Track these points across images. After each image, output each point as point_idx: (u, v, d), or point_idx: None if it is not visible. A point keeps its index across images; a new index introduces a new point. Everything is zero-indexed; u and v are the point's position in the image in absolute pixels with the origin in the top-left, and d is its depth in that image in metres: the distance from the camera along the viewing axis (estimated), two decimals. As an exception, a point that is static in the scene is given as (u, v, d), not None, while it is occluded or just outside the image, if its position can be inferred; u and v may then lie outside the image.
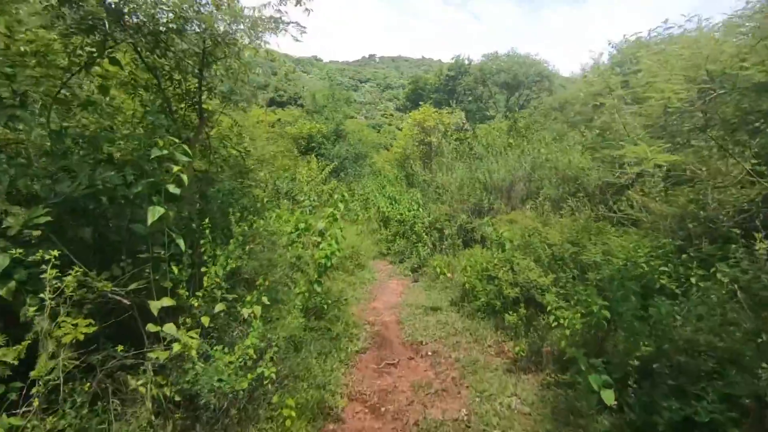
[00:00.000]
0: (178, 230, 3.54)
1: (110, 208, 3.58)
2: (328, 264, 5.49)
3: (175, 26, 3.38)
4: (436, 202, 11.80)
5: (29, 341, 2.63)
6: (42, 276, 2.64)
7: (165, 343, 3.26)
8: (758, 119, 3.24)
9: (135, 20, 3.28)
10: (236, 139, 5.68)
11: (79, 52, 3.36)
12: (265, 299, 4.02)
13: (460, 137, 16.22)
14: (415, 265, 9.97)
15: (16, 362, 2.51)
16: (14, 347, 2.55)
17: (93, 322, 2.87)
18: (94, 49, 3.38)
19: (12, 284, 2.71)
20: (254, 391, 3.78)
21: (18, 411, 2.57)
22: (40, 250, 2.70)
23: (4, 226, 2.72)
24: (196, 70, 4.02)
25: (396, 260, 10.93)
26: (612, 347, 4.18)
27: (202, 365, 3.31)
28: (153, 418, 3.10)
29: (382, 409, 4.33)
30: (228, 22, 3.54)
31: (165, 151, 3.20)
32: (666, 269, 4.26)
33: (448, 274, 8.06)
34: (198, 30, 3.53)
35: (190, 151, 3.41)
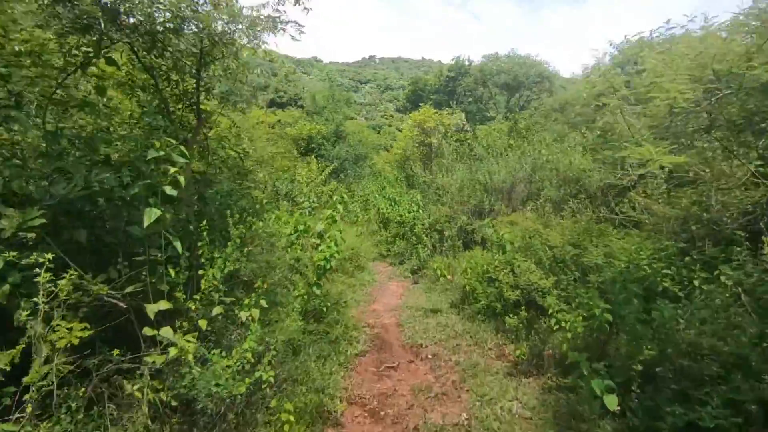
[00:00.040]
0: (176, 232, 3.50)
1: (107, 210, 3.54)
2: (328, 266, 5.44)
3: (172, 26, 3.33)
4: (436, 203, 11.75)
5: (23, 345, 2.59)
6: (36, 279, 2.59)
7: (162, 347, 3.22)
8: (764, 120, 3.20)
9: (131, 20, 3.25)
10: (235, 140, 5.64)
11: (74, 52, 3.32)
12: (263, 302, 3.98)
13: (460, 138, 16.19)
14: (415, 267, 9.92)
15: (8, 367, 2.46)
16: (8, 351, 2.51)
17: (88, 326, 2.83)
18: (90, 49, 3.34)
19: (6, 288, 2.67)
20: (252, 396, 3.74)
21: (11, 417, 2.52)
22: (35, 253, 2.66)
23: (-3, 228, 2.68)
24: (194, 71, 3.98)
25: (396, 262, 10.88)
26: (614, 350, 4.13)
27: (200, 369, 3.27)
28: (149, 423, 3.06)
29: (382, 413, 4.28)
30: (226, 21, 3.50)
31: (162, 153, 3.16)
32: (669, 272, 4.21)
33: (448, 276, 8.01)
34: (195, 30, 3.49)
35: (187, 153, 3.37)
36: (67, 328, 2.75)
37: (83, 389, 2.88)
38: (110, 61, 3.52)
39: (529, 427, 3.85)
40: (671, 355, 3.44)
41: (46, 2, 2.90)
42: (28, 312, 2.55)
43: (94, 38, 3.21)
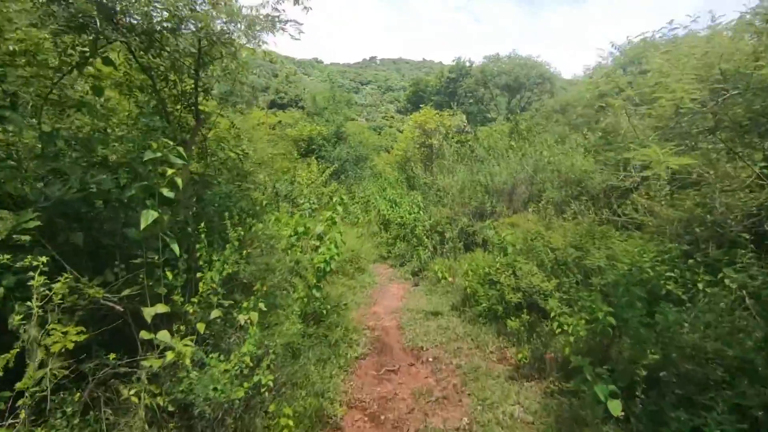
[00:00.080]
0: (174, 234, 3.46)
1: (104, 212, 3.51)
2: (327, 269, 5.40)
3: (169, 25, 3.29)
4: (437, 204, 11.71)
5: (17, 350, 2.55)
6: (29, 283, 2.55)
7: (159, 351, 3.18)
8: (770, 121, 3.14)
9: (128, 19, 3.21)
10: (234, 141, 5.60)
11: (70, 51, 3.28)
12: (262, 305, 3.94)
13: (461, 140, 16.15)
14: (416, 269, 9.88)
15: (1, 372, 2.42)
16: (2, 356, 2.47)
17: (84, 329, 2.79)
18: (86, 49, 3.30)
19: (0, 291, 2.63)
20: (251, 400, 3.69)
21: (5, 422, 2.49)
22: (29, 256, 2.62)
23: (-9, 230, 2.64)
24: (192, 71, 3.94)
25: (396, 264, 10.83)
26: (616, 354, 4.08)
27: (197, 374, 3.23)
28: (146, 427, 3.02)
29: (382, 417, 4.24)
30: (224, 20, 3.46)
31: (159, 154, 3.13)
32: (672, 275, 4.16)
33: (449, 278, 7.96)
34: (194, 29, 3.45)
35: (185, 154, 3.33)
36: (63, 332, 2.71)
37: (78, 394, 2.84)
38: (107, 61, 3.48)
39: (531, 431, 3.80)
40: (675, 360, 3.39)
41: (41, 0, 2.87)
42: (22, 316, 2.50)
43: (91, 37, 3.17)
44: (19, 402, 2.47)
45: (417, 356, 5.54)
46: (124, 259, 3.30)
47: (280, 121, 23.54)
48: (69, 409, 2.74)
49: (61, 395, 2.78)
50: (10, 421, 2.48)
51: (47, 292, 2.61)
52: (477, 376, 4.79)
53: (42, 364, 2.64)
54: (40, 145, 3.22)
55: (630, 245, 4.86)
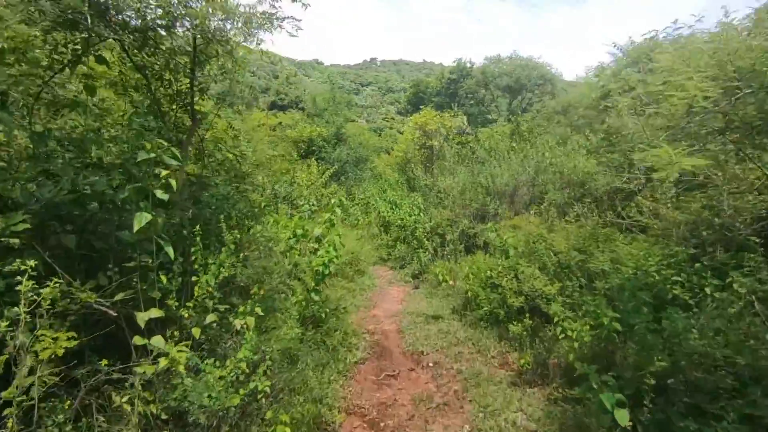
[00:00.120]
0: (169, 237, 3.38)
1: (97, 214, 3.42)
2: (326, 272, 5.31)
3: (163, 22, 3.21)
4: (437, 206, 11.63)
5: (6, 356, 2.47)
6: (17, 288, 2.47)
7: (152, 357, 3.09)
8: (782, 121, 3.05)
9: (120, 16, 3.13)
10: (232, 142, 5.52)
11: (61, 49, 3.20)
12: (258, 309, 3.85)
13: (462, 141, 16.08)
14: (416, 272, 9.79)
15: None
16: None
17: (75, 335, 2.72)
18: (78, 47, 3.22)
19: (-13, 295, 2.56)
20: (247, 407, 3.61)
21: (-8, 432, 2.41)
22: (18, 259, 2.54)
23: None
24: (188, 70, 3.86)
25: (396, 266, 10.75)
26: (621, 360, 3.98)
27: (192, 380, 3.14)
28: (139, 435, 2.93)
29: (382, 424, 4.15)
30: (221, 18, 3.37)
31: (153, 155, 3.04)
32: (678, 279, 4.07)
33: (450, 281, 7.87)
34: (189, 27, 3.37)
35: (179, 155, 3.25)
36: (53, 338, 2.64)
37: (69, 402, 2.76)
38: (100, 60, 3.40)
39: (535, 440, 3.72)
40: (683, 367, 3.29)
41: (29, -4, 2.78)
42: (8, 322, 2.42)
43: (83, 35, 3.09)
44: (6, 411, 2.38)
45: (417, 361, 5.45)
46: (118, 262, 3.23)
47: (280, 123, 23.50)
48: (60, 417, 2.66)
49: (52, 403, 2.71)
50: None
51: (35, 297, 2.52)
52: (478, 381, 4.70)
53: (32, 371, 2.57)
54: (31, 146, 3.15)
55: (635, 248, 4.77)
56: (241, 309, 3.81)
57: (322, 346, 5.22)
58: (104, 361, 2.92)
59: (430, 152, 16.48)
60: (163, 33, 3.38)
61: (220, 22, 3.41)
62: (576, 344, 4.10)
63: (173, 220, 3.77)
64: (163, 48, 3.59)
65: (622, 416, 3.10)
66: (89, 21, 2.81)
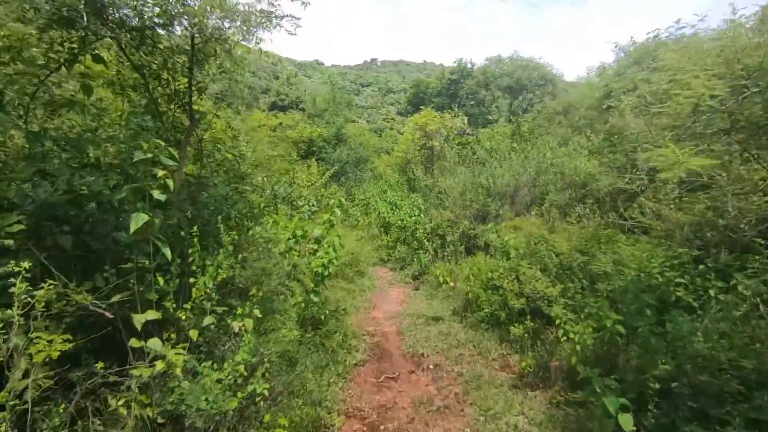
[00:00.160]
0: (166, 238, 3.34)
1: (95, 215, 3.38)
2: (326, 273, 5.27)
3: (161, 21, 3.16)
4: (438, 207, 11.57)
5: (1, 359, 2.44)
6: (11, 290, 2.43)
7: (149, 359, 3.05)
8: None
9: (117, 14, 3.08)
10: (231, 142, 5.47)
11: (57, 47, 3.15)
12: (257, 311, 3.81)
13: (462, 141, 16.03)
14: (417, 273, 9.75)
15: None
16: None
17: (71, 337, 2.68)
18: (74, 45, 3.17)
19: (-19, 298, 2.51)
20: (245, 410, 3.57)
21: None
22: (12, 261, 2.50)
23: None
24: (186, 69, 3.82)
25: (397, 267, 10.71)
26: (624, 363, 3.93)
27: (189, 383, 3.10)
28: (136, 439, 2.89)
29: (381, 427, 4.10)
30: (219, 16, 3.33)
31: (149, 155, 3.00)
32: (682, 281, 4.02)
33: (451, 283, 7.82)
34: (187, 25, 3.32)
35: (177, 155, 3.21)
36: (48, 341, 2.60)
37: (64, 405, 2.72)
38: (97, 59, 3.36)
39: (537, 444, 3.67)
40: (688, 371, 3.24)
41: (22, -7, 2.74)
42: (2, 325, 2.38)
43: (79, 33, 3.05)
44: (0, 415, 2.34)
45: (417, 363, 5.41)
46: (115, 263, 3.19)
47: (280, 123, 23.48)
48: (56, 420, 2.63)
49: (47, 406, 2.67)
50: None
51: (29, 299, 2.48)
52: (479, 384, 4.65)
53: (26, 374, 2.53)
54: (27, 146, 3.11)
55: (638, 250, 4.72)
56: (240, 311, 3.77)
57: (322, 348, 5.17)
58: (100, 364, 2.89)
59: (430, 153, 16.43)
60: (161, 32, 3.34)
61: (218, 21, 3.37)
62: (578, 347, 4.05)
63: (171, 221, 3.73)
64: (161, 47, 3.55)
65: (626, 421, 3.05)
66: (85, 19, 2.77)
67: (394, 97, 79.93)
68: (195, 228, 3.56)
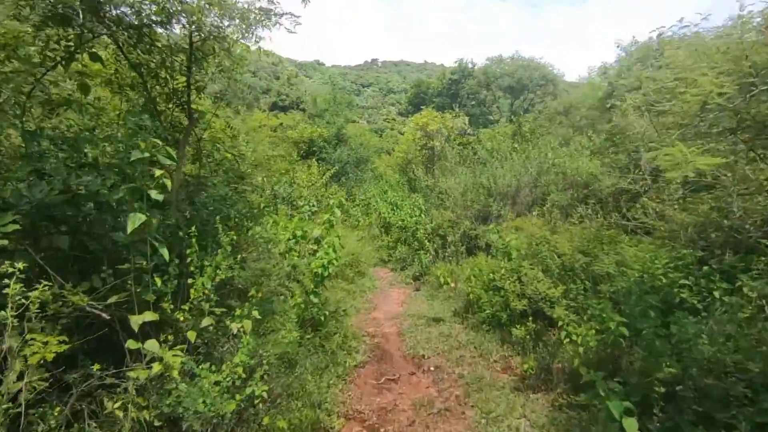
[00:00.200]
0: (164, 239, 3.30)
1: (92, 215, 3.35)
2: (326, 273, 5.22)
3: (159, 19, 3.12)
4: (438, 208, 11.54)
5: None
6: (4, 291, 2.39)
7: (146, 361, 3.01)
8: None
9: (114, 12, 3.04)
10: (230, 141, 5.43)
11: (53, 45, 3.11)
12: (256, 312, 3.76)
13: (463, 142, 15.98)
14: (417, 273, 9.71)
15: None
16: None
17: (66, 339, 2.64)
18: (71, 43, 3.13)
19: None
20: (244, 412, 3.53)
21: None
22: (7, 261, 2.46)
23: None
24: (184, 68, 3.77)
25: (397, 267, 10.67)
26: (627, 365, 3.88)
27: (186, 386, 3.06)
28: (132, 442, 2.85)
29: (382, 429, 4.06)
30: (218, 14, 3.28)
31: (146, 154, 2.96)
32: (686, 282, 3.97)
33: (452, 284, 7.77)
34: (185, 23, 3.28)
35: (176, 154, 3.17)
36: (43, 342, 2.56)
37: (59, 408, 2.68)
38: (94, 57, 3.32)
39: (539, 448, 3.62)
40: (693, 374, 3.19)
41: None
42: (-7, 328, 2.34)
43: (75, 31, 3.00)
44: (-8, 419, 2.30)
45: (418, 365, 5.36)
46: (112, 264, 3.15)
47: (281, 124, 23.45)
48: (53, 422, 2.59)
49: (42, 409, 2.63)
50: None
51: (24, 300, 2.44)
52: (480, 386, 4.60)
53: (21, 377, 2.49)
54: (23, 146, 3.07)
55: (641, 251, 4.67)
56: (238, 312, 3.73)
57: (321, 349, 5.13)
58: (97, 366, 2.84)
59: (431, 153, 16.39)
60: (159, 30, 3.30)
61: (216, 18, 3.32)
62: (581, 349, 4.00)
63: (169, 221, 3.69)
64: (159, 45, 3.51)
65: (631, 425, 3.00)
66: (81, 16, 2.73)
67: (394, 98, 79.87)
68: (193, 228, 3.52)
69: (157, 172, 3.02)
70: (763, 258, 3.56)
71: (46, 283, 2.57)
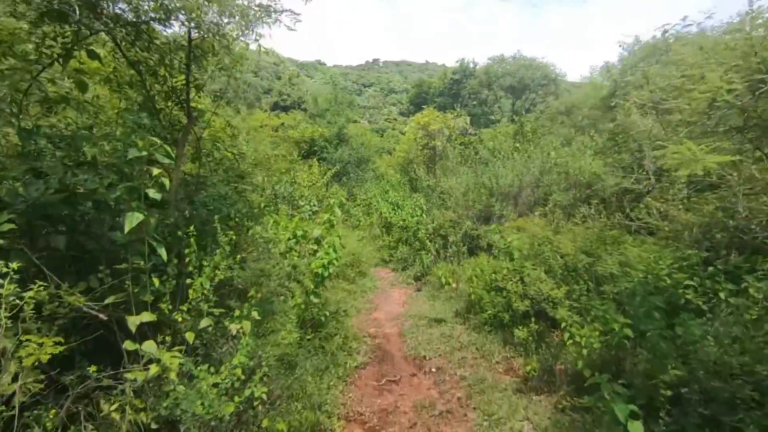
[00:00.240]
0: (163, 238, 3.26)
1: (89, 214, 3.31)
2: (326, 274, 5.18)
3: (157, 15, 3.08)
4: (440, 207, 11.48)
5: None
6: (-1, 291, 2.35)
7: (144, 363, 2.97)
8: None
9: (112, 8, 3.00)
10: (230, 140, 5.38)
11: (50, 42, 3.07)
12: (255, 313, 3.72)
13: (465, 141, 15.91)
14: (419, 274, 9.65)
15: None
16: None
17: (62, 340, 2.61)
18: (68, 40, 3.09)
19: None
20: (243, 414, 3.48)
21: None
22: (1, 261, 2.43)
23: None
24: (183, 65, 3.73)
25: (398, 268, 10.62)
26: (631, 367, 3.83)
27: (184, 387, 3.02)
28: (129, 445, 2.81)
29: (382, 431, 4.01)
30: (217, 11, 3.24)
31: (144, 152, 2.92)
32: (691, 283, 3.92)
33: (453, 284, 7.72)
34: (184, 20, 3.24)
35: (174, 153, 3.13)
36: (38, 343, 2.52)
37: (54, 411, 2.64)
38: (92, 55, 3.28)
39: (542, 451, 3.57)
40: (699, 376, 3.14)
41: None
42: (-13, 328, 2.30)
43: (72, 28, 2.96)
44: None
45: (419, 366, 5.31)
46: (110, 264, 3.11)
47: (282, 123, 23.44)
48: (49, 424, 2.56)
49: (37, 411, 2.60)
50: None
51: (18, 301, 2.40)
52: (482, 388, 4.55)
53: (15, 378, 2.45)
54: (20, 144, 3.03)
55: (645, 251, 4.61)
56: (238, 313, 3.69)
57: (321, 350, 5.09)
58: (93, 367, 2.81)
59: (432, 153, 16.33)
60: (157, 27, 3.25)
61: (216, 16, 3.28)
62: (584, 351, 3.95)
63: (168, 221, 3.64)
64: (158, 43, 3.47)
65: (636, 429, 2.95)
66: (77, 13, 2.69)
67: (395, 98, 79.82)
68: (192, 228, 3.48)
69: (155, 171, 2.98)
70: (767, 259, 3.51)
71: (41, 283, 2.54)
